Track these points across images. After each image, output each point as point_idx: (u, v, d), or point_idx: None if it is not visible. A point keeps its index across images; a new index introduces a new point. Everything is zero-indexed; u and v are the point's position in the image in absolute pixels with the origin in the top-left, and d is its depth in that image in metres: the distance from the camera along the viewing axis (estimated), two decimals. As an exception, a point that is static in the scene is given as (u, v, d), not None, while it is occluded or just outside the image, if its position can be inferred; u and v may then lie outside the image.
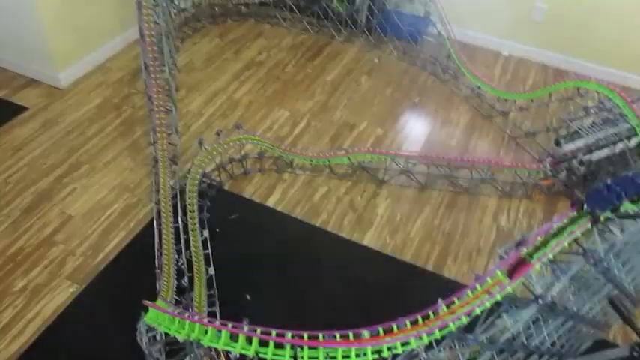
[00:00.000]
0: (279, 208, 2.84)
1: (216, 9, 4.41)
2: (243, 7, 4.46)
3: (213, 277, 2.33)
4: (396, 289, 2.52)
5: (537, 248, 1.37)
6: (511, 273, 1.34)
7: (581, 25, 3.87)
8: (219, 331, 1.45)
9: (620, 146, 2.84)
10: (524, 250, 1.36)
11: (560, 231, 1.41)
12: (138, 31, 3.21)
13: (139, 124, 3.30)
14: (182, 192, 2.67)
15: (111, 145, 3.13)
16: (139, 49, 3.64)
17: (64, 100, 3.42)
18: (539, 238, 1.36)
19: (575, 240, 1.40)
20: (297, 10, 4.31)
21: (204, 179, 2.83)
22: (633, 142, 2.82)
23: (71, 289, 2.38)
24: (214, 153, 2.82)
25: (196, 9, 4.33)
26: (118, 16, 3.80)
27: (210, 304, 2.27)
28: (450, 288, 2.46)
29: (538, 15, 3.96)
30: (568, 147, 2.93)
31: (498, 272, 1.33)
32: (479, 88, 3.62)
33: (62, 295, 2.36)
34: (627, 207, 1.36)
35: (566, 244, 1.38)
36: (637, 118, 2.73)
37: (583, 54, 4.00)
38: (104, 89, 3.55)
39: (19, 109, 3.31)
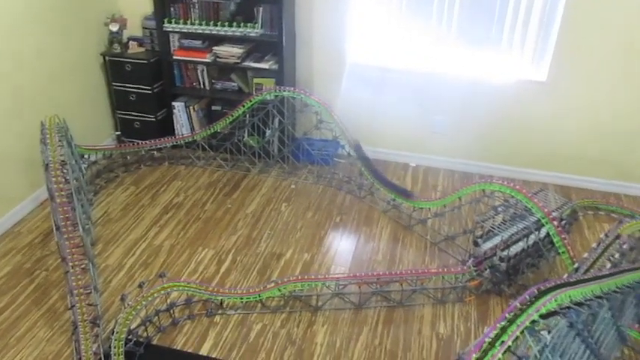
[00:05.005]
0: (214, 355, 2.69)
1: (128, 157, 4.42)
2: (155, 152, 4.51)
3: None
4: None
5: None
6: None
7: (478, 130, 4.22)
8: None
9: (532, 238, 3.00)
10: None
11: (493, 343, 1.43)
12: (47, 191, 3.14)
13: (54, 287, 3.11)
14: (107, 356, 2.48)
15: (24, 316, 2.91)
16: (50, 208, 3.55)
17: (-30, 275, 3.20)
18: (474, 356, 1.37)
19: (509, 349, 1.43)
20: (210, 149, 4.41)
21: (130, 337, 2.66)
22: (543, 232, 2.99)
23: None
24: (138, 307, 2.69)
25: (107, 160, 4.33)
26: (26, 179, 3.72)
27: None
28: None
29: (438, 127, 4.28)
30: (486, 246, 3.05)
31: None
32: (394, 200, 3.77)
33: None
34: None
35: (501, 355, 1.40)
36: (540, 211, 2.92)
37: (484, 157, 4.32)
38: (13, 255, 3.36)
39: None
